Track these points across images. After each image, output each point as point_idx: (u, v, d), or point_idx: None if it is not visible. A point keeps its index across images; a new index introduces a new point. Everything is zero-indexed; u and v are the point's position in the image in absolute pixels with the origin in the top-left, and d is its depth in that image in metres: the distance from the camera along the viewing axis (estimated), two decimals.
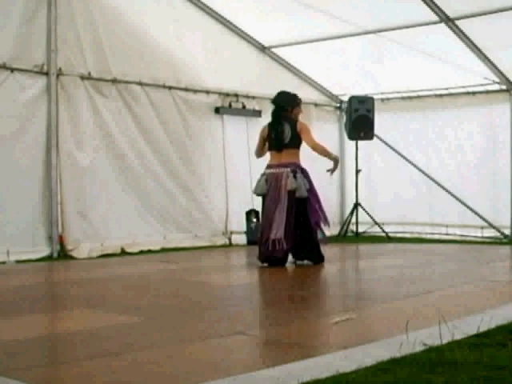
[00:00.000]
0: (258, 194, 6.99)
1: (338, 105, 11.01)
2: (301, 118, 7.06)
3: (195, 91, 8.99)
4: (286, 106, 6.91)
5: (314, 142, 6.85)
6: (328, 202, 10.44)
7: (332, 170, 6.98)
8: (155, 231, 8.47)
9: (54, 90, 7.59)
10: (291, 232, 6.63)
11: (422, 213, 10.27)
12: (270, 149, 6.93)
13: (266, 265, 6.74)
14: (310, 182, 6.78)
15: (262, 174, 6.90)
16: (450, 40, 8.50)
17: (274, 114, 6.99)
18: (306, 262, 6.87)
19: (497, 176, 9.62)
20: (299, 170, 6.74)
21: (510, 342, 3.28)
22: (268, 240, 6.66)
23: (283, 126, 6.82)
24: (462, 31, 8.40)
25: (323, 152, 6.94)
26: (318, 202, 6.82)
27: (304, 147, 6.95)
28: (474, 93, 9.67)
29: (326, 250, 6.94)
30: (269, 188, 6.77)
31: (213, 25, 9.18)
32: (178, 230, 8.70)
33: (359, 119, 9.91)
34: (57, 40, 7.59)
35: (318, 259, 6.86)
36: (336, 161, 6.99)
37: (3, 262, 6.98)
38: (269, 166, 6.88)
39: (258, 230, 7.29)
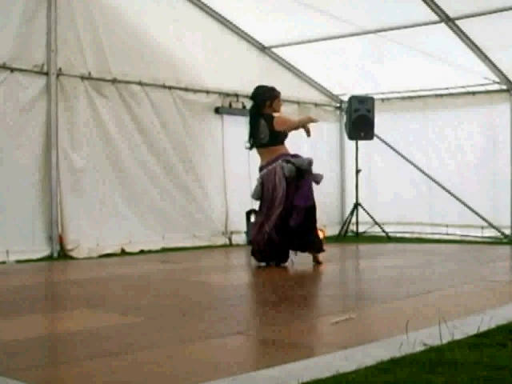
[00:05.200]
0: (256, 199, 6.98)
1: (338, 105, 11.01)
2: (283, 110, 7.07)
3: (195, 91, 8.99)
4: (263, 100, 6.79)
5: (296, 127, 6.85)
6: (328, 202, 10.50)
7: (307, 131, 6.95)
8: (155, 231, 8.47)
9: (54, 90, 7.59)
10: (282, 223, 6.57)
11: (422, 213, 10.27)
12: (255, 147, 6.90)
13: (263, 264, 6.73)
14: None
15: (258, 179, 6.86)
16: (450, 40, 8.50)
17: (252, 111, 6.94)
18: (292, 259, 6.79)
19: (497, 176, 9.62)
20: (290, 157, 6.67)
21: (509, 342, 3.28)
22: (261, 232, 6.63)
23: (259, 123, 6.73)
24: (462, 31, 8.40)
25: (300, 125, 6.91)
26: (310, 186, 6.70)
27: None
28: (473, 93, 9.67)
29: (326, 250, 6.93)
30: (265, 191, 6.69)
31: (213, 25, 9.18)
32: (177, 230, 8.70)
33: (359, 119, 9.91)
34: (57, 40, 7.59)
35: (319, 248, 6.76)
36: (304, 122, 6.94)
37: (3, 262, 6.98)
38: (261, 168, 6.84)
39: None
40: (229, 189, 9.27)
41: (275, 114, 6.83)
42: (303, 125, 6.94)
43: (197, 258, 7.97)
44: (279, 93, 6.92)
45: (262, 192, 6.74)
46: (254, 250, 6.80)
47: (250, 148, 6.92)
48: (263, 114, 6.77)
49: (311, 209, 6.67)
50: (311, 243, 6.75)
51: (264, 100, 6.80)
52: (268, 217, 6.61)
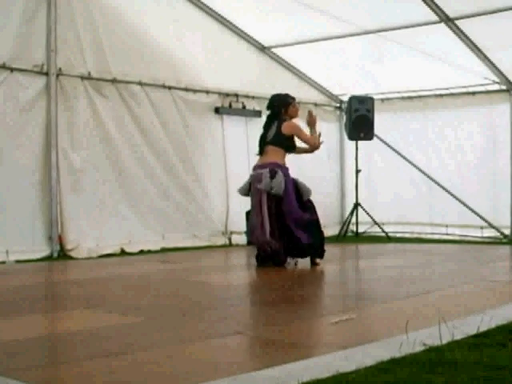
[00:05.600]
0: (242, 195, 7.02)
1: (338, 105, 11.01)
2: (300, 115, 7.05)
3: (195, 91, 8.99)
4: (278, 108, 6.85)
5: (309, 142, 6.84)
6: (328, 202, 10.50)
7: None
8: (155, 231, 8.47)
9: (54, 90, 7.58)
10: (277, 232, 6.62)
11: (422, 213, 10.27)
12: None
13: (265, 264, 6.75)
14: (286, 181, 6.64)
15: (250, 176, 6.91)
16: (450, 40, 8.50)
17: (267, 118, 7.00)
18: (294, 261, 6.81)
19: (497, 176, 9.62)
20: (278, 169, 6.65)
21: (509, 342, 3.28)
22: (258, 241, 6.70)
23: (271, 124, 6.82)
24: (462, 31, 8.40)
25: (315, 143, 6.93)
26: (294, 202, 6.67)
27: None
28: (474, 93, 9.67)
29: (326, 250, 6.92)
30: (252, 190, 6.75)
31: (213, 25, 9.18)
32: (177, 230, 8.69)
33: (359, 119, 9.91)
34: (57, 40, 7.59)
35: (315, 254, 6.78)
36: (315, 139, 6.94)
37: (3, 262, 6.98)
38: (254, 168, 6.89)
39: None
40: (229, 189, 9.26)
41: (293, 120, 6.88)
42: (315, 142, 6.95)
43: (197, 258, 7.96)
44: (293, 99, 6.93)
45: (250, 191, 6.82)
46: (258, 254, 6.82)
47: (259, 154, 6.89)
48: (278, 119, 6.81)
49: (317, 221, 6.77)
50: (314, 253, 6.78)
51: (279, 108, 6.85)
52: (262, 224, 6.64)
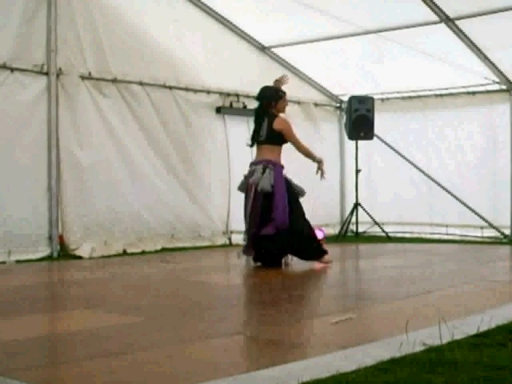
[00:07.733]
0: (241, 191, 7.01)
1: (338, 105, 11.01)
2: (287, 111, 7.03)
3: (196, 91, 8.99)
4: (268, 101, 6.83)
5: (299, 144, 6.82)
6: (328, 202, 10.49)
7: (321, 172, 6.91)
8: (156, 231, 8.46)
9: (54, 90, 7.58)
10: (256, 228, 6.65)
11: (422, 213, 10.27)
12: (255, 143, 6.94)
13: (259, 264, 6.74)
14: (277, 178, 6.63)
15: (245, 173, 6.94)
16: (450, 40, 8.50)
17: (257, 110, 6.97)
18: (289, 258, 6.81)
19: (497, 176, 9.62)
20: (271, 166, 6.65)
21: (509, 342, 3.28)
22: (249, 236, 6.74)
23: (263, 121, 6.79)
24: (462, 31, 8.40)
25: (307, 154, 6.93)
26: (283, 200, 6.64)
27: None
28: (474, 93, 9.67)
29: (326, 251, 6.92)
30: (246, 186, 6.80)
31: (213, 25, 9.18)
32: (178, 230, 8.69)
33: (359, 119, 9.91)
34: (57, 40, 7.59)
35: (307, 255, 6.77)
36: (320, 162, 6.91)
37: (3, 262, 6.99)
38: (251, 164, 6.90)
39: None
40: (231, 188, 9.25)
41: (281, 115, 6.86)
42: (310, 156, 6.93)
43: (197, 257, 7.97)
44: (284, 93, 6.93)
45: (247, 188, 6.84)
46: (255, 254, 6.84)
47: (251, 145, 6.94)
48: (268, 113, 6.80)
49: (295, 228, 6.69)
50: (310, 254, 6.76)
51: (269, 101, 6.84)
52: (249, 219, 6.72)
